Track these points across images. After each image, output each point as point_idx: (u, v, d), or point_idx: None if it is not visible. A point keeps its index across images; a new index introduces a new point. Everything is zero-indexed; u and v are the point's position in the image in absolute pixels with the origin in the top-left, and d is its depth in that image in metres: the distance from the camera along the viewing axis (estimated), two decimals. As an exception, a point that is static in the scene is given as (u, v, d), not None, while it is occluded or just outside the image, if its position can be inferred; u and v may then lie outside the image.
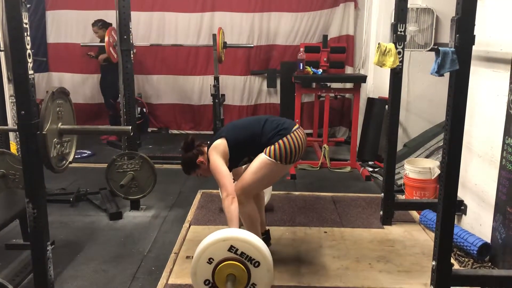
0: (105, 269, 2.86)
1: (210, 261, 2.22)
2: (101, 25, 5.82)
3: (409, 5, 3.12)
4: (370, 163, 5.20)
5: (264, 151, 2.59)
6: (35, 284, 2.23)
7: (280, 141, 2.58)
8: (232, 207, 2.45)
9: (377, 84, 5.33)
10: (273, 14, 6.53)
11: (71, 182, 4.38)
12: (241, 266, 2.20)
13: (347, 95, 6.43)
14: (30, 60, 2.00)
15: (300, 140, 2.63)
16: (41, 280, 2.21)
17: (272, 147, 2.58)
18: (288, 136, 2.60)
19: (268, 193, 3.55)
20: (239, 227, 2.45)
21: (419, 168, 3.67)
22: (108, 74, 5.95)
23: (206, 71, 6.66)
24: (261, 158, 2.59)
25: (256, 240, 2.25)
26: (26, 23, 1.96)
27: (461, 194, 3.19)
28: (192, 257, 2.31)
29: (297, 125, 2.71)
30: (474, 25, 2.01)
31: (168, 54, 6.65)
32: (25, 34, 1.96)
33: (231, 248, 2.21)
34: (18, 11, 1.93)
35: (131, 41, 3.60)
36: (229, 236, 2.24)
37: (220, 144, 2.64)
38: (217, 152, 2.61)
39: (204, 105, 6.78)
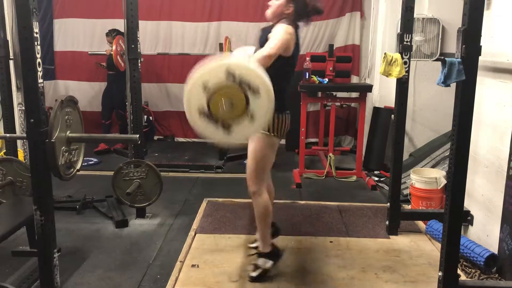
0: (111, 276, 2.87)
1: (205, 88, 2.05)
2: (115, 35, 5.85)
3: (415, 15, 3.13)
4: (376, 172, 5.19)
5: None
6: (42, 291, 2.24)
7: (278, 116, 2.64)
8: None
9: (383, 93, 5.33)
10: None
11: (77, 190, 4.40)
12: (239, 92, 2.05)
13: (352, 104, 6.43)
14: (40, 69, 2.03)
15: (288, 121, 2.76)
16: (47, 287, 2.22)
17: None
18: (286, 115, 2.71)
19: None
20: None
21: (425, 178, 3.66)
22: (114, 83, 5.99)
23: (213, 80, 6.68)
24: (253, 139, 2.65)
25: (257, 68, 2.12)
26: (36, 33, 1.99)
27: (467, 204, 3.18)
28: (198, 265, 2.27)
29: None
30: (480, 35, 2.02)
31: (174, 63, 6.70)
32: (36, 43, 1.99)
33: (229, 75, 2.03)
34: (29, 21, 1.95)
35: (138, 50, 3.62)
36: (227, 62, 2.08)
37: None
38: (291, 34, 2.65)
39: (210, 113, 6.78)
